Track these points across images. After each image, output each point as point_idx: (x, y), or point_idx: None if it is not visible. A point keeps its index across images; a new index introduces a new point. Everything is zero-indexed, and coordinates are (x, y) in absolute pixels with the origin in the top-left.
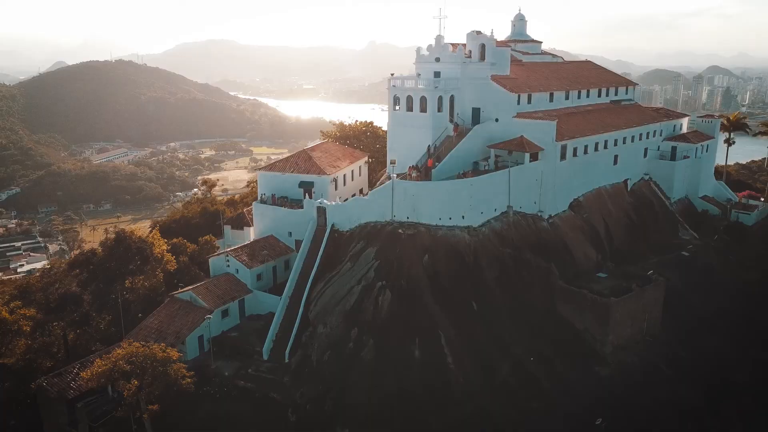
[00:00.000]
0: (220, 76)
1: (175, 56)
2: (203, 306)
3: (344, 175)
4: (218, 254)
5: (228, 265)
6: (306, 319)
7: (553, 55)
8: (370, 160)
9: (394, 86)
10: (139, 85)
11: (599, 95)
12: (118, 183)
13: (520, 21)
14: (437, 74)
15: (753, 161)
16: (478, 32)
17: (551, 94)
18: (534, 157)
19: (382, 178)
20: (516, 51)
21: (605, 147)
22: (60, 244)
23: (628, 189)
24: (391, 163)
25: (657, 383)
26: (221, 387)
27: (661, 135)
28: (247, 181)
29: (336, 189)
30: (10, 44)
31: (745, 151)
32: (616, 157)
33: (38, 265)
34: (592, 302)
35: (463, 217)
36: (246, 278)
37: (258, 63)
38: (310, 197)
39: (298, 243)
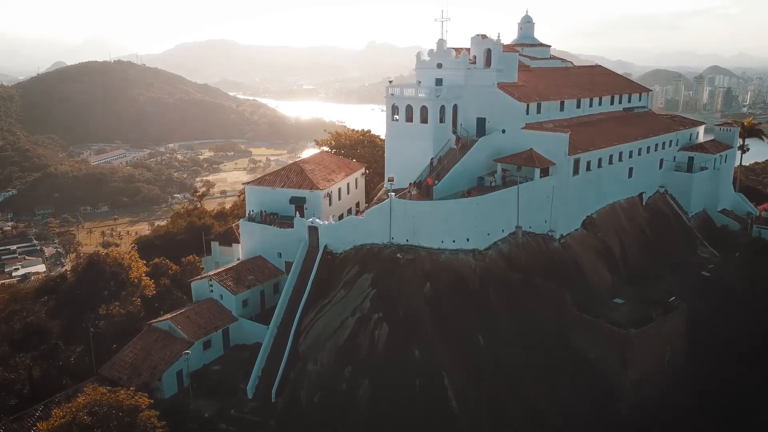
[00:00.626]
0: (220, 76)
1: (175, 56)
2: (183, 337)
3: (339, 189)
4: (201, 278)
5: (211, 290)
6: (295, 352)
7: (562, 60)
8: (367, 171)
9: (392, 95)
10: (137, 85)
11: (612, 103)
12: (116, 185)
13: (527, 24)
14: (439, 81)
15: (756, 163)
16: (484, 36)
17: (562, 103)
18: (544, 172)
19: (380, 193)
20: (523, 56)
21: (620, 159)
22: (56, 247)
23: (643, 203)
24: (389, 181)
25: (682, 423)
26: None
27: (676, 145)
28: (239, 192)
29: (330, 204)
30: (10, 44)
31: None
32: (630, 169)
33: (34, 269)
34: (610, 334)
35: (467, 239)
36: (231, 305)
37: (258, 63)
38: (302, 214)
39: (289, 264)
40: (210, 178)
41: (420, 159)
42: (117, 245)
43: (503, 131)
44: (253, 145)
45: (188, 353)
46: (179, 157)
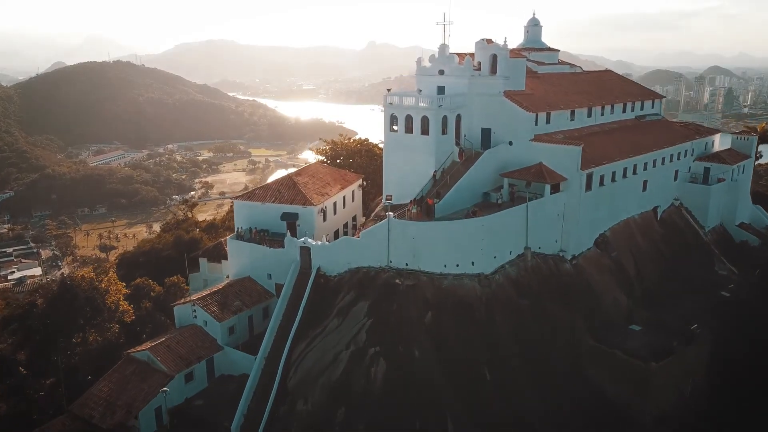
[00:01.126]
0: (220, 76)
1: (175, 56)
2: (163, 370)
3: (334, 203)
4: (183, 302)
5: (195, 316)
6: (284, 388)
7: (571, 65)
8: (364, 183)
9: (390, 104)
10: (137, 86)
11: (623, 110)
12: (114, 186)
13: (534, 27)
14: (441, 89)
15: (759, 165)
16: (489, 41)
17: (572, 112)
18: (555, 189)
19: (377, 209)
20: (530, 61)
21: (634, 172)
22: (53, 250)
23: (658, 218)
24: (386, 199)
25: None
26: None
27: (692, 154)
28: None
29: (324, 220)
30: (11, 44)
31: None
32: (645, 182)
33: (30, 272)
34: (628, 366)
35: (472, 263)
36: (216, 332)
37: (258, 63)
38: (295, 230)
39: (279, 287)
40: (209, 179)
41: (421, 173)
42: (114, 248)
43: (510, 143)
44: (253, 145)
45: (166, 391)
46: (178, 158)
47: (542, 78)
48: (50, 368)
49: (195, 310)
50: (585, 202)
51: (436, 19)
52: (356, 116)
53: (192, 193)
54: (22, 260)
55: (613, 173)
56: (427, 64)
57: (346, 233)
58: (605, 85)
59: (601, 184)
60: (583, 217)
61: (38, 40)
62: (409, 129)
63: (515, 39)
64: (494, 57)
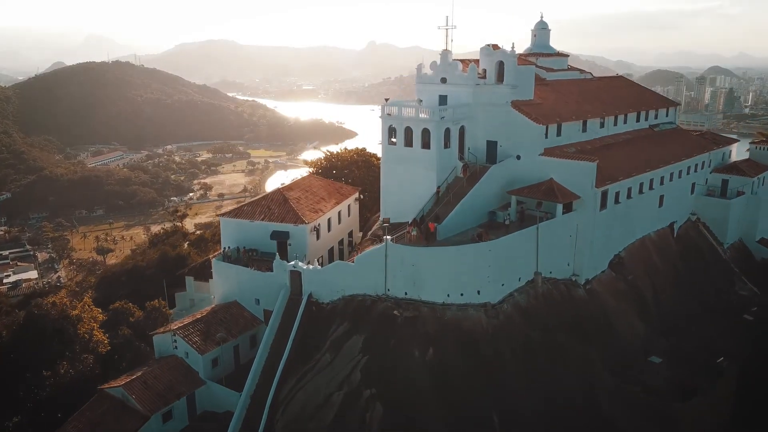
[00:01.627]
0: (219, 76)
1: (175, 56)
2: (137, 409)
3: (329, 219)
4: (163, 331)
5: (175, 347)
6: (271, 430)
7: (581, 71)
8: (361, 196)
9: (388, 115)
10: (136, 86)
11: (637, 120)
12: (112, 188)
13: (541, 30)
14: (443, 99)
15: None
16: (495, 46)
17: (584, 123)
18: (567, 208)
19: (375, 227)
20: (539, 67)
21: (650, 187)
22: (50, 253)
23: (674, 234)
24: (383, 223)
25: None
26: None
27: (709, 166)
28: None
29: (318, 238)
30: (11, 44)
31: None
32: (661, 197)
33: (25, 276)
34: (650, 408)
35: (478, 292)
36: (197, 364)
37: (257, 63)
38: (286, 251)
39: (268, 313)
40: (207, 180)
41: (421, 190)
42: (111, 250)
43: (518, 157)
44: (252, 146)
45: None
46: (177, 159)
47: (551, 85)
48: (16, 406)
49: (175, 341)
50: (599, 222)
51: (437, 19)
52: (356, 117)
53: (190, 194)
54: (18, 263)
55: (629, 189)
56: (427, 71)
57: (341, 251)
58: (617, 92)
59: (617, 201)
60: (598, 238)
61: (38, 39)
62: (408, 142)
63: (516, 39)
64: (501, 64)
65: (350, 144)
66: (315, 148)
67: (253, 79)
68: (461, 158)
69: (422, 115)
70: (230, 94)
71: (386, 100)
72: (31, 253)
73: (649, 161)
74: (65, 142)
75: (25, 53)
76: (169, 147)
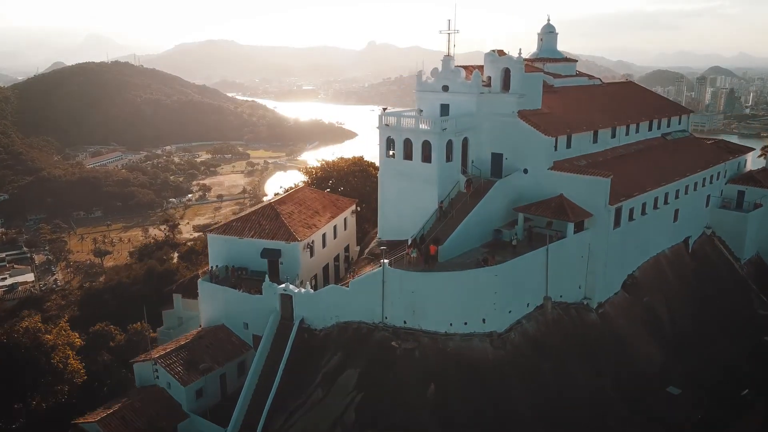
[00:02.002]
0: (219, 76)
1: (174, 56)
2: None
3: (324, 235)
4: (144, 360)
5: (157, 376)
6: None
7: (590, 76)
8: (358, 208)
9: (386, 125)
10: (135, 86)
11: (649, 128)
12: (110, 189)
13: (548, 34)
14: (445, 108)
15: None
16: (501, 52)
17: (595, 133)
18: (579, 227)
19: (372, 244)
20: (546, 73)
21: (665, 202)
22: (47, 255)
23: (689, 249)
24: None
25: None
26: None
27: (724, 176)
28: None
29: (312, 255)
30: (10, 44)
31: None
32: (676, 212)
33: (22, 279)
34: None
35: (483, 320)
36: (180, 396)
37: (257, 63)
38: (277, 269)
39: (257, 338)
40: (206, 181)
41: (421, 207)
42: (109, 252)
43: (525, 171)
44: (252, 147)
45: None
46: (176, 159)
47: (559, 93)
48: None
49: (156, 370)
50: (613, 241)
51: (437, 19)
52: (356, 117)
53: (189, 195)
54: (15, 266)
55: (643, 205)
56: (428, 78)
57: (337, 268)
58: (628, 99)
59: (631, 218)
60: (611, 258)
61: (38, 39)
62: (408, 155)
63: (516, 40)
64: (507, 71)
65: (350, 145)
66: (314, 148)
67: (252, 79)
68: (464, 172)
69: (423, 126)
70: (230, 95)
71: (384, 109)
72: (29, 255)
73: (664, 174)
74: (64, 143)
75: (25, 53)
76: (168, 148)
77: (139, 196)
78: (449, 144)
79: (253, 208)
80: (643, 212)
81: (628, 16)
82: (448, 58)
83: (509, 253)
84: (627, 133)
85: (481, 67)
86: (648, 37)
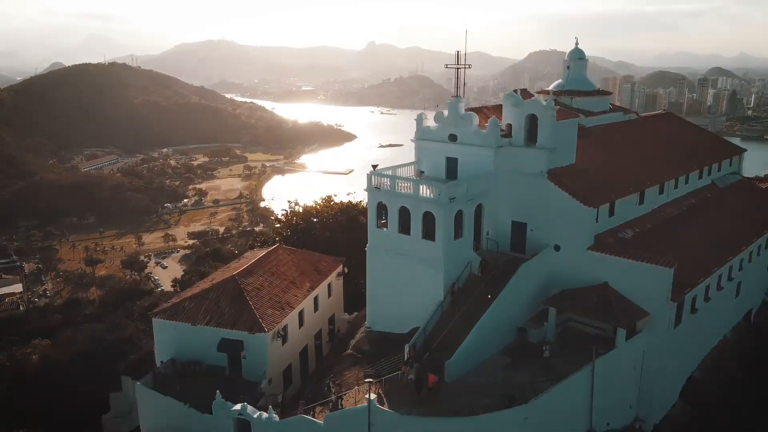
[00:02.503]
0: (219, 77)
1: (174, 57)
2: None
3: (301, 312)
4: None
5: None
6: None
7: (625, 110)
8: (346, 270)
9: (376, 188)
10: (132, 88)
11: (700, 176)
12: (105, 194)
13: (577, 61)
14: (452, 163)
15: None
16: (525, 93)
17: (642, 194)
18: (631, 330)
19: (359, 335)
20: (575, 110)
21: (729, 278)
22: (37, 264)
23: (752, 324)
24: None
25: None
26: None
27: None
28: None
29: (285, 343)
30: (10, 44)
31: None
32: (738, 285)
33: (9, 290)
34: None
35: None
36: None
37: (257, 64)
38: (239, 364)
39: None
40: (203, 185)
41: (423, 297)
42: (101, 261)
43: (557, 248)
44: (249, 150)
45: None
46: (172, 162)
47: (594, 136)
48: None
49: None
50: (673, 342)
51: (437, 19)
52: (355, 118)
53: (185, 200)
54: (3, 275)
55: (707, 288)
56: (430, 123)
57: (318, 348)
58: (671, 139)
59: (694, 310)
60: (669, 364)
61: (38, 39)
62: (404, 227)
63: (516, 40)
64: (533, 119)
65: (349, 146)
66: (313, 151)
67: (252, 79)
68: (477, 248)
69: (424, 194)
70: (228, 96)
71: (374, 167)
72: (18, 263)
73: (726, 242)
74: (59, 145)
75: (24, 53)
76: (165, 150)
77: (133, 202)
78: (459, 215)
79: (212, 280)
80: (707, 298)
81: (629, 17)
82: (456, 100)
83: (539, 366)
84: (676, 186)
85: (498, 109)
86: (648, 37)
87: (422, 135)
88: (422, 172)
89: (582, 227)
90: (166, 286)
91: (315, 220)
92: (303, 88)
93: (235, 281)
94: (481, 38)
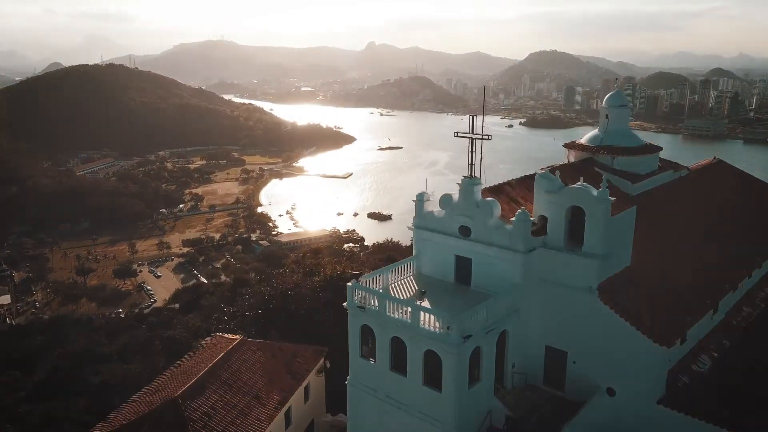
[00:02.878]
0: (218, 77)
1: (173, 57)
2: None
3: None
4: None
5: None
6: None
7: (675, 167)
8: (328, 364)
9: (360, 308)
10: (129, 90)
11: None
12: (99, 199)
13: (618, 109)
14: (464, 264)
15: None
16: (559, 170)
17: (717, 305)
18: None
19: None
20: (616, 172)
21: None
22: (27, 273)
23: None
24: None
25: None
26: None
27: None
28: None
29: None
30: (10, 43)
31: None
32: None
33: None
34: None
35: None
36: None
37: (256, 64)
38: None
39: None
40: (199, 190)
41: None
42: (93, 270)
43: (611, 392)
44: (247, 152)
45: None
46: (169, 166)
47: (644, 208)
48: None
49: None
50: None
51: (437, 19)
52: (354, 120)
53: (180, 206)
54: None
55: None
56: (434, 209)
57: None
58: (732, 201)
59: None
60: None
61: (38, 39)
62: (398, 365)
63: (516, 41)
64: (577, 212)
65: (348, 148)
66: (312, 154)
67: (251, 80)
68: (499, 390)
69: (425, 325)
70: (227, 97)
71: (356, 278)
72: (8, 272)
73: None
74: (55, 148)
75: (24, 53)
76: (161, 153)
77: (128, 207)
78: (476, 354)
79: (150, 404)
80: None
81: (629, 17)
82: (471, 182)
83: None
84: (749, 274)
85: (524, 185)
86: (648, 38)
87: (423, 223)
88: (424, 292)
89: (649, 371)
90: (159, 297)
91: (292, 294)
92: (302, 89)
93: (177, 406)
94: (481, 39)
